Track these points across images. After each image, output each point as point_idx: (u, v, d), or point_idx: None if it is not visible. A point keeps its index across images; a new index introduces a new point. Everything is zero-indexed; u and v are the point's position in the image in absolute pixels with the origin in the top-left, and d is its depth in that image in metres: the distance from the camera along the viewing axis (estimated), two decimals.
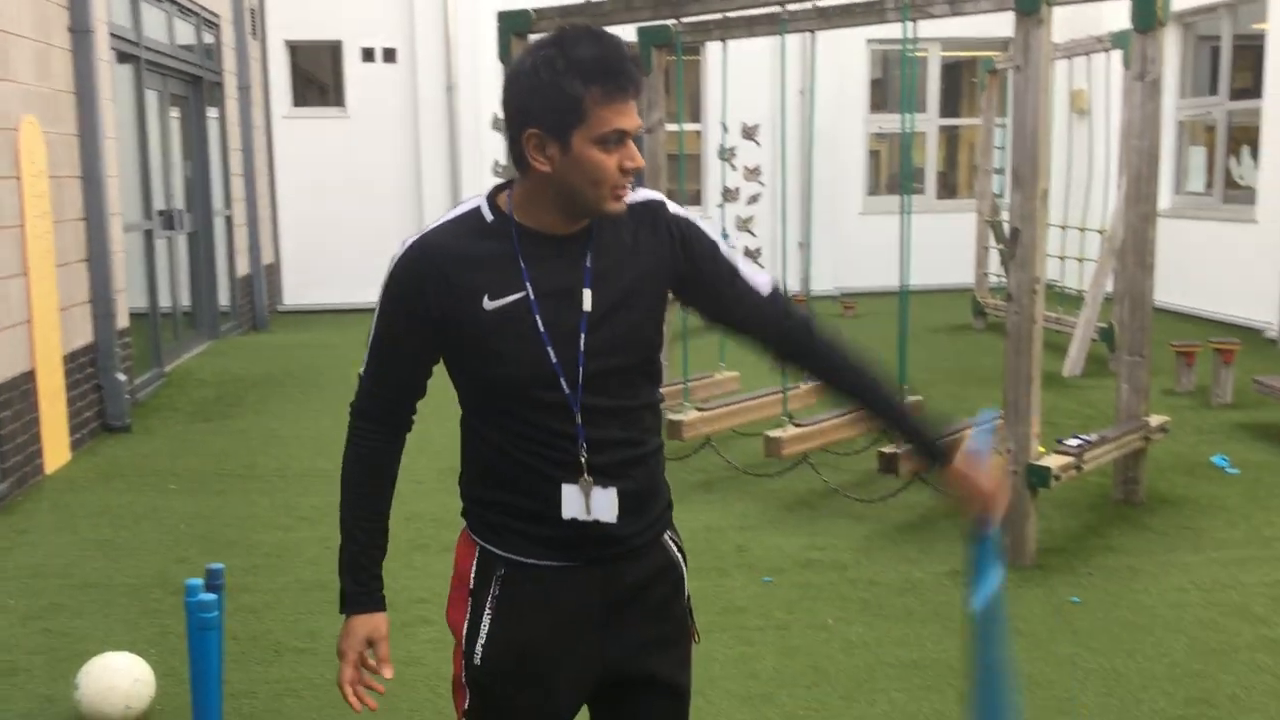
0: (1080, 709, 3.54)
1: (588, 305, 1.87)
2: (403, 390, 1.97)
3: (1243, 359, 7.87)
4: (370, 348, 1.96)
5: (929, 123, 13.83)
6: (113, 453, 6.77)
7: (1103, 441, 4.99)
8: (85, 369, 6.96)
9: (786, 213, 12.90)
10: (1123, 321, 5.31)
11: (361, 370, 1.98)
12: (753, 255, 13.92)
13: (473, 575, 1.97)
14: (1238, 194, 10.86)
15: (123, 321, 7.52)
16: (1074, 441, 4.83)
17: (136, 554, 5.03)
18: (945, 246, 11.98)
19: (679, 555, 2.07)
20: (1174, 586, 4.51)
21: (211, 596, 2.25)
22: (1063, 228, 9.62)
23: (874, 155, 14.36)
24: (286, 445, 6.85)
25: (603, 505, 1.91)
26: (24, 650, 4.05)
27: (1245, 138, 10.81)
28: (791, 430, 5.66)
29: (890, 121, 13.73)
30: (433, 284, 1.85)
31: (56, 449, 6.36)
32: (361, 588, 2.00)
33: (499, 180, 2.00)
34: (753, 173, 13.43)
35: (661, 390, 2.05)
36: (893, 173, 14.42)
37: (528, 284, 1.85)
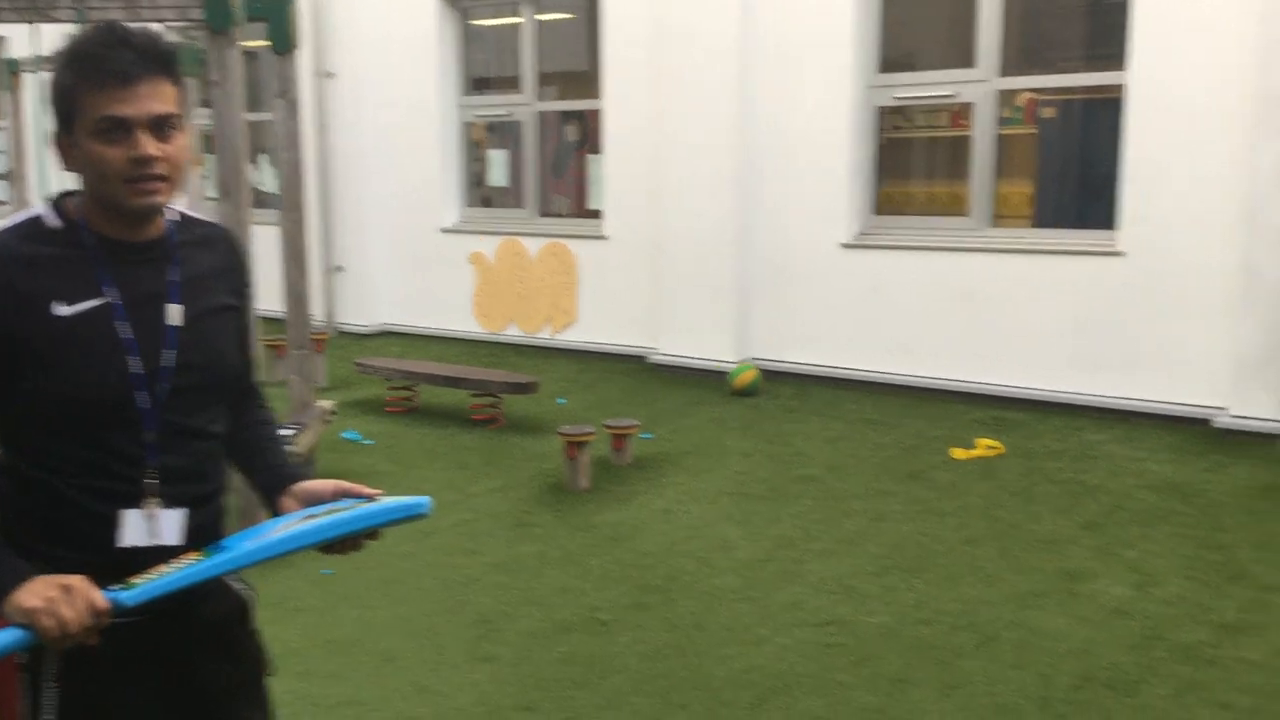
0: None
1: (176, 319, 1.81)
2: None
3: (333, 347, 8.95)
4: None
5: None
6: None
7: (305, 428, 5.49)
8: None
9: None
10: (289, 319, 5.80)
11: None
12: None
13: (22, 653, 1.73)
14: (265, 197, 11.88)
15: None
16: (288, 431, 5.25)
17: None
18: None
19: (244, 590, 2.03)
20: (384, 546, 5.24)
21: None
22: None
23: None
24: None
25: (170, 528, 1.82)
26: None
27: (258, 147, 11.81)
28: None
29: None
30: None
31: None
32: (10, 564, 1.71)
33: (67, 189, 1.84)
34: None
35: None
36: None
37: (105, 290, 1.75)
